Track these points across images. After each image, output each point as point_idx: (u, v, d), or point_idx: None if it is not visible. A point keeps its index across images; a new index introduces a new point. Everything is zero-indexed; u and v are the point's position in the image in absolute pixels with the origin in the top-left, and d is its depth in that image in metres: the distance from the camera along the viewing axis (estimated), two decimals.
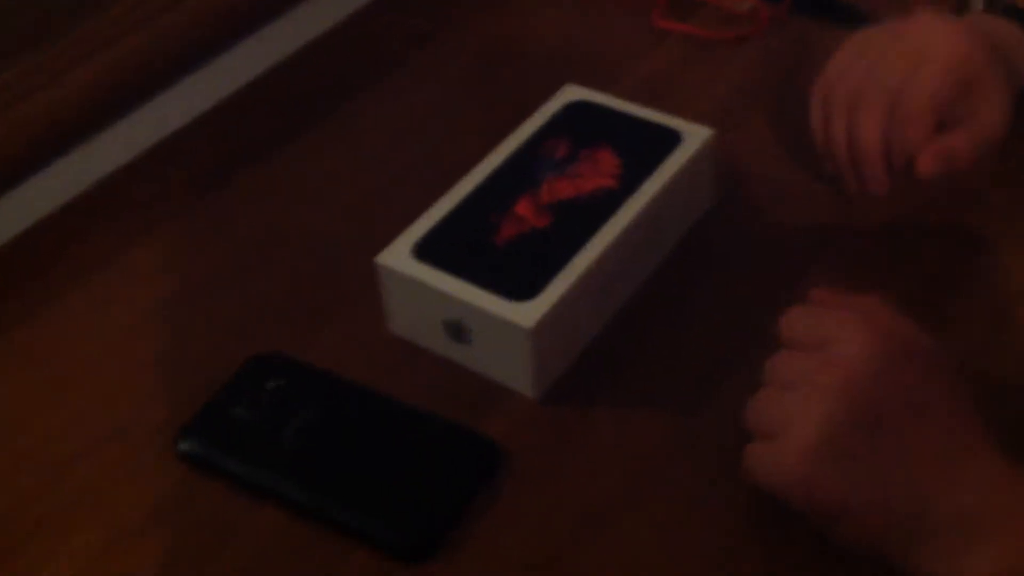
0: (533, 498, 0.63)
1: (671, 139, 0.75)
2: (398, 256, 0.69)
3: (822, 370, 0.55)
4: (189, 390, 0.70)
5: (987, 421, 0.55)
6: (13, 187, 0.84)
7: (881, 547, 0.55)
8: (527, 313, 0.65)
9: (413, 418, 0.66)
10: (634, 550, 0.61)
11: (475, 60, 0.95)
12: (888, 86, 0.72)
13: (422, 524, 0.61)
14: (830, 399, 0.54)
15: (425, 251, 0.69)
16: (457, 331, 0.68)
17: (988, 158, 0.73)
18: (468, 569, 0.61)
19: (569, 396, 0.68)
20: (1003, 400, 0.65)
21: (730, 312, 0.72)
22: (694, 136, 0.75)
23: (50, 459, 0.68)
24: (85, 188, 0.86)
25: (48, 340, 0.76)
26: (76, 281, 0.79)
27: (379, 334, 0.73)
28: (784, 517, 0.60)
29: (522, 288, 0.66)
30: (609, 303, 0.72)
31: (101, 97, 0.85)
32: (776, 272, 0.75)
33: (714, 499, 0.62)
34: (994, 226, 0.76)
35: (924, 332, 0.57)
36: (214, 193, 0.85)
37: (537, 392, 0.68)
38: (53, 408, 0.71)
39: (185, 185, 0.86)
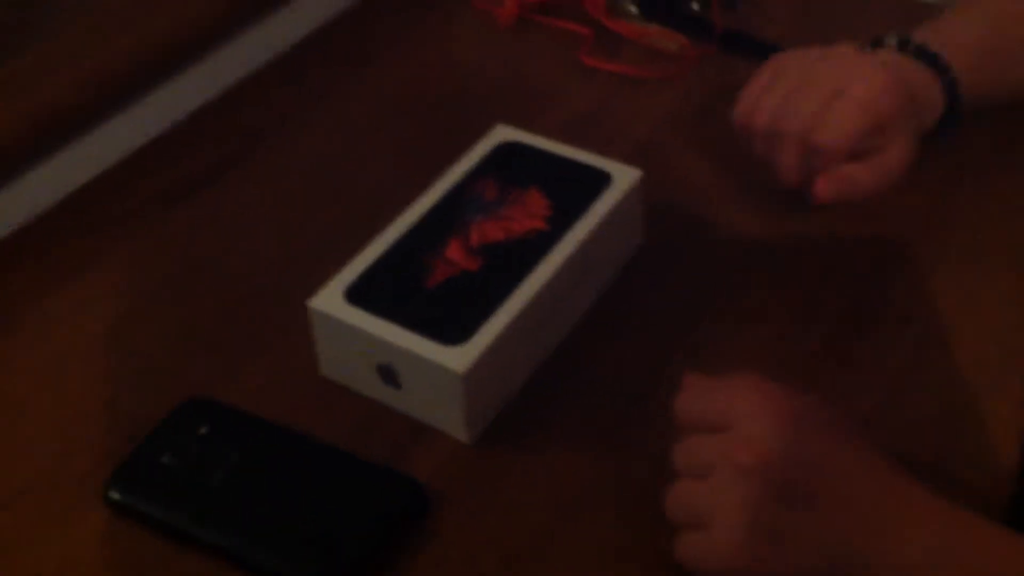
0: (459, 539, 0.64)
1: (600, 180, 0.75)
2: (330, 300, 0.69)
3: (733, 452, 0.56)
4: (117, 433, 0.70)
5: (903, 466, 0.57)
6: None
7: None
8: (459, 358, 0.65)
9: (340, 461, 0.66)
10: None
11: (403, 98, 0.95)
12: (804, 118, 0.73)
13: (344, 567, 0.61)
14: (749, 481, 0.55)
15: (357, 295, 0.69)
16: (389, 375, 0.68)
17: (886, 193, 0.75)
18: None
19: (498, 437, 0.69)
20: (920, 438, 0.66)
21: (660, 351, 0.73)
22: (623, 177, 0.75)
23: None
24: (3, 232, 0.86)
25: None
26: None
27: (310, 374, 0.73)
28: None
29: (454, 332, 0.66)
30: (541, 345, 0.72)
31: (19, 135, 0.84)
32: (705, 308, 0.76)
33: (639, 543, 0.63)
34: (918, 251, 0.78)
35: (811, 396, 0.59)
36: (143, 231, 0.85)
37: (470, 436, 0.68)
38: None
39: (114, 223, 0.86)
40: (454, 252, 0.71)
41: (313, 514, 0.64)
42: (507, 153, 0.78)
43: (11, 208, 0.86)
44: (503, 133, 0.80)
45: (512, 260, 0.70)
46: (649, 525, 0.62)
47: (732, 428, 0.57)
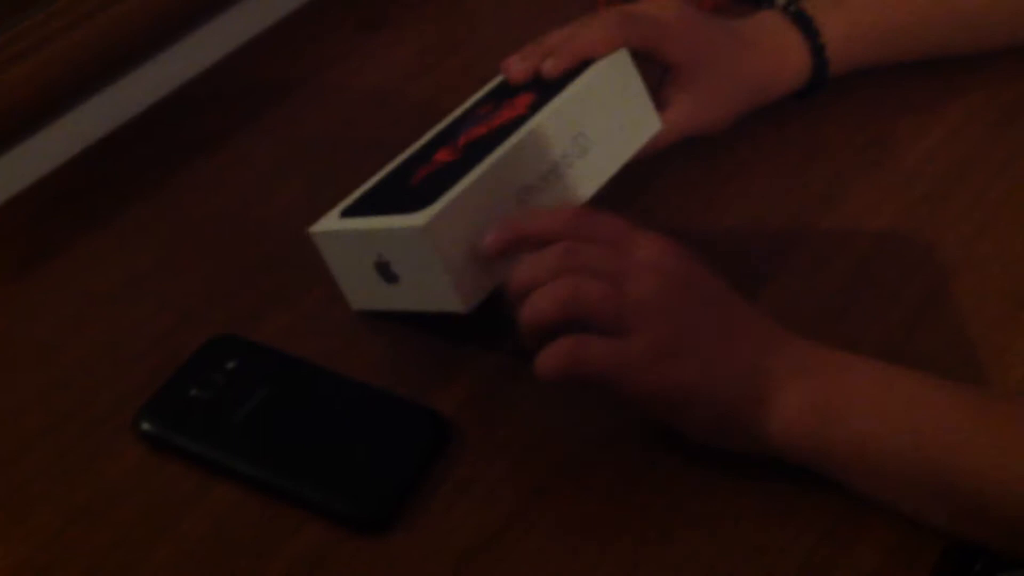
0: (485, 470, 0.65)
1: (584, 65, 0.75)
2: (327, 221, 0.71)
3: (642, 268, 0.61)
4: (145, 372, 0.71)
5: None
6: None
7: (721, 423, 0.61)
8: (421, 216, 0.66)
9: (366, 395, 0.68)
10: (584, 517, 0.62)
11: (424, 50, 0.96)
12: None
13: (376, 496, 0.63)
14: (666, 293, 0.60)
15: (351, 211, 0.71)
16: (385, 270, 0.69)
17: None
18: (422, 539, 0.62)
19: (521, 372, 0.69)
20: None
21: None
22: (607, 57, 0.75)
23: (5, 441, 0.69)
24: (35, 178, 0.87)
25: (1, 325, 0.76)
26: (29, 268, 0.80)
27: (334, 315, 0.74)
28: (729, 487, 0.62)
29: (422, 204, 0.67)
30: None
31: (50, 85, 0.85)
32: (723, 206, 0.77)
33: (663, 466, 0.64)
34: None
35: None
36: (166, 178, 0.86)
37: (465, 304, 0.67)
38: (7, 391, 0.72)
39: (136, 173, 0.87)
40: (441, 155, 0.72)
41: (341, 445, 0.65)
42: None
43: (37, 155, 0.87)
44: None
45: (488, 144, 0.70)
46: (674, 458, 0.64)
47: (631, 248, 0.62)
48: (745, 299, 0.63)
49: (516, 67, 0.76)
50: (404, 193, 0.70)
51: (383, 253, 0.68)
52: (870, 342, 0.69)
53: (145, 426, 0.67)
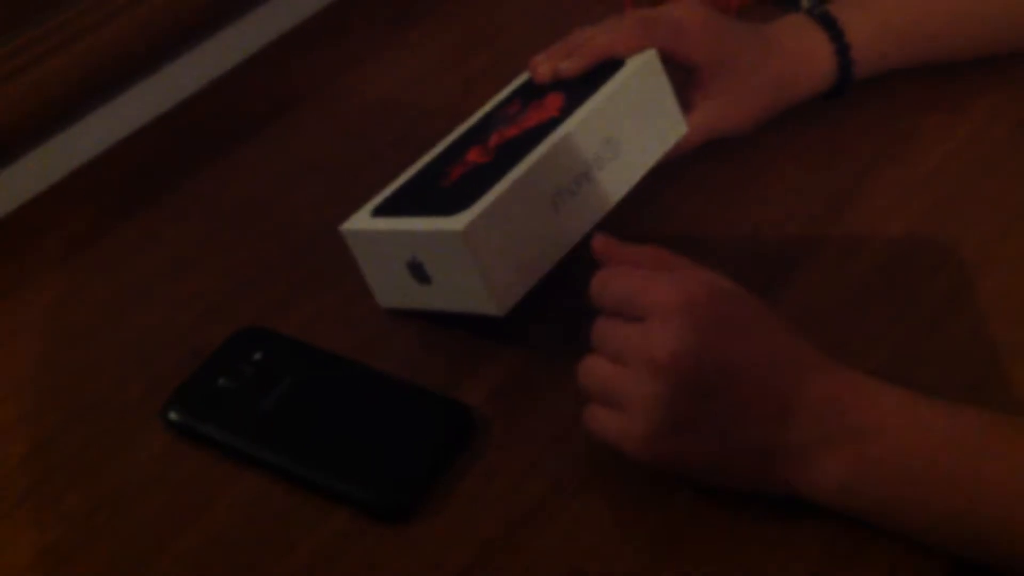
0: (508, 462, 0.65)
1: (615, 66, 0.75)
2: (359, 219, 0.72)
3: (648, 348, 0.58)
4: (174, 362, 0.72)
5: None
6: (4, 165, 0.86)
7: (751, 483, 0.60)
8: (459, 220, 0.66)
9: (392, 386, 0.68)
10: (605, 511, 0.63)
11: (452, 47, 0.97)
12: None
13: (401, 485, 0.63)
14: (661, 379, 0.58)
15: (383, 210, 0.72)
16: (418, 270, 0.69)
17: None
18: (445, 529, 0.62)
19: (547, 366, 0.70)
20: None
21: (708, 253, 0.72)
22: (636, 58, 0.75)
23: (38, 428, 0.70)
24: (68, 171, 0.88)
25: (34, 314, 0.77)
26: (59, 258, 0.81)
27: (360, 307, 0.75)
28: (734, 499, 0.63)
29: (459, 206, 0.67)
30: (568, 220, 0.70)
31: (80, 80, 0.87)
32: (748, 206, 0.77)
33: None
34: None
35: (721, 275, 0.61)
36: (200, 171, 0.87)
37: (501, 307, 0.68)
38: (40, 379, 0.73)
39: (168, 165, 0.88)
40: (472, 155, 0.73)
41: (366, 435, 0.66)
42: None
43: (77, 146, 0.88)
44: None
45: (522, 147, 0.71)
46: None
47: (648, 320, 0.59)
48: (792, 340, 0.60)
49: (542, 67, 0.77)
50: (438, 193, 0.70)
51: (417, 254, 0.69)
52: (891, 341, 0.69)
53: (173, 415, 0.68)
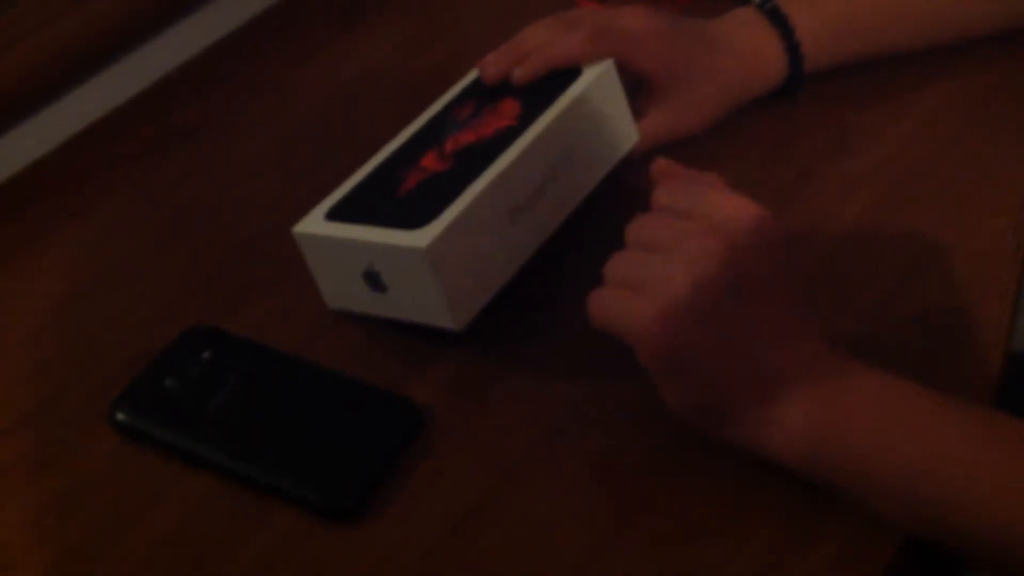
0: (458, 457, 0.65)
1: (572, 76, 0.75)
2: (312, 222, 0.71)
3: (702, 234, 0.58)
4: (121, 363, 0.71)
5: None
6: None
7: (707, 406, 0.60)
8: (422, 236, 0.66)
9: (339, 384, 0.68)
10: (553, 507, 0.63)
11: (402, 44, 0.97)
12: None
13: (347, 484, 0.63)
14: (705, 262, 0.57)
15: (337, 214, 0.71)
16: (374, 279, 0.69)
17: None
18: (394, 527, 0.62)
19: (493, 361, 0.70)
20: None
21: None
22: (593, 68, 0.75)
23: None
24: (13, 171, 0.87)
25: None
26: (6, 260, 0.80)
27: (309, 306, 0.74)
28: (696, 470, 0.63)
29: (420, 219, 0.67)
30: (525, 233, 0.71)
31: (26, 79, 0.86)
32: None
33: (631, 456, 0.65)
34: None
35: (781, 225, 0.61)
36: (145, 170, 0.86)
37: (458, 321, 0.68)
38: None
39: (115, 164, 0.87)
40: (428, 161, 0.73)
41: (314, 434, 0.66)
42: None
43: (17, 147, 0.87)
44: None
45: (481, 156, 0.70)
46: (642, 449, 0.65)
47: (708, 217, 0.59)
48: (800, 295, 0.61)
49: (491, 69, 0.77)
50: (395, 202, 0.70)
51: (375, 264, 0.68)
52: (835, 333, 0.69)
53: (119, 416, 0.68)
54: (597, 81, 0.75)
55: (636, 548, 0.61)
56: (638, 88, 0.79)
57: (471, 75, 0.81)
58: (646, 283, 0.58)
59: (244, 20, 1.00)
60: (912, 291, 0.71)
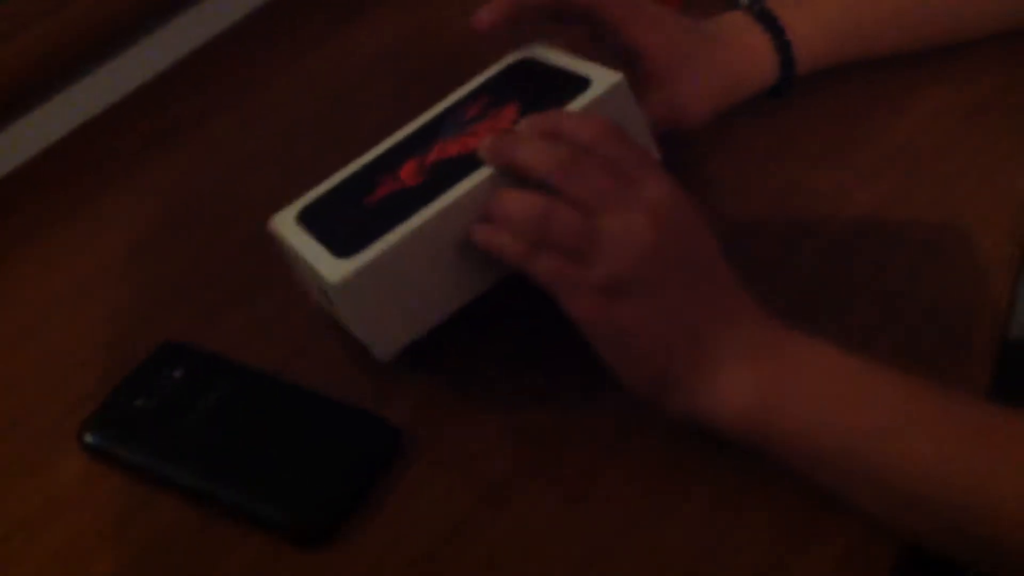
0: (433, 478, 0.64)
1: (577, 86, 0.67)
2: (284, 219, 0.69)
3: (636, 203, 0.58)
4: (95, 379, 0.70)
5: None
6: None
7: (653, 378, 0.59)
8: (340, 268, 0.62)
9: (315, 403, 0.66)
10: (532, 526, 0.61)
11: (399, 41, 0.95)
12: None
13: (318, 509, 0.61)
14: (646, 234, 0.58)
15: (307, 215, 0.68)
16: (322, 292, 0.66)
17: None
18: (366, 552, 0.61)
19: (472, 380, 0.68)
20: None
21: None
22: (601, 82, 0.66)
23: None
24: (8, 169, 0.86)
25: None
26: None
27: (288, 318, 0.73)
28: (680, 490, 0.61)
29: (354, 245, 0.63)
30: (478, 269, 0.65)
31: (18, 76, 0.84)
32: None
33: (611, 474, 0.63)
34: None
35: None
36: (121, 179, 0.85)
37: (382, 355, 0.65)
38: None
39: (87, 174, 0.86)
40: (407, 170, 0.69)
41: (287, 456, 0.64)
42: (514, 70, 0.74)
43: (7, 148, 0.86)
44: (527, 51, 0.75)
45: (451, 175, 0.65)
46: (624, 464, 0.63)
47: (635, 184, 0.59)
48: (730, 269, 0.61)
49: (482, 15, 0.73)
50: (357, 212, 0.67)
51: (313, 277, 0.66)
52: (835, 333, 0.67)
53: (88, 438, 0.66)
54: (607, 95, 0.66)
55: (623, 566, 0.59)
56: (635, 74, 0.76)
57: (508, 57, 0.75)
58: (587, 252, 0.58)
59: (243, 14, 0.98)
60: (911, 292, 0.69)
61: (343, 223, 0.66)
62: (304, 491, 0.62)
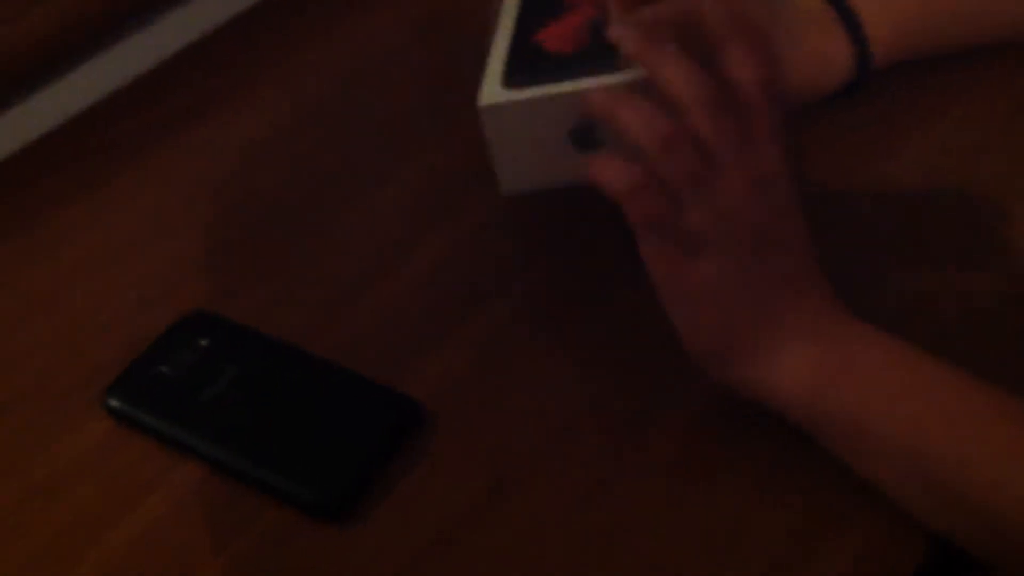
0: (453, 457, 0.63)
1: None
2: (495, 93, 0.67)
3: (751, 164, 0.57)
4: (118, 345, 0.70)
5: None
6: None
7: (718, 347, 0.60)
8: (495, 96, 0.65)
9: (337, 377, 0.66)
10: (550, 509, 0.61)
11: (417, 21, 0.94)
12: None
13: (335, 482, 0.61)
14: (749, 197, 0.57)
15: (514, 81, 0.67)
16: (584, 137, 0.66)
17: None
18: (385, 527, 0.61)
19: (494, 358, 0.68)
20: None
21: None
22: None
23: None
24: (17, 147, 0.86)
25: None
26: (3, 237, 0.79)
27: (311, 292, 0.73)
28: (699, 476, 0.61)
29: (523, 82, 0.66)
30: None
31: (30, 55, 0.84)
32: None
33: (631, 458, 0.62)
34: None
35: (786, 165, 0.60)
36: (150, 150, 0.85)
37: (507, 189, 0.67)
38: None
39: (120, 143, 0.86)
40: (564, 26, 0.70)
41: (308, 428, 0.64)
42: None
43: (19, 124, 0.86)
44: None
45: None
46: (646, 449, 0.63)
47: (759, 144, 0.58)
48: (814, 253, 0.61)
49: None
50: (535, 56, 0.68)
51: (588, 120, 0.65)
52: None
53: (112, 402, 0.66)
54: None
55: (642, 551, 0.58)
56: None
57: None
58: (689, 198, 0.57)
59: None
60: (944, 297, 0.68)
61: (537, 70, 0.67)
62: (324, 465, 0.62)
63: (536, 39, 0.70)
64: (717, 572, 0.57)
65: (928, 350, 0.58)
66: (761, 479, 0.61)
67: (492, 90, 0.67)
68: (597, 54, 0.66)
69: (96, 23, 0.87)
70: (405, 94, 0.83)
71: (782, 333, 0.59)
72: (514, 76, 0.67)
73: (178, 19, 0.93)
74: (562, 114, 0.65)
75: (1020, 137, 0.78)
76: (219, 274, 0.75)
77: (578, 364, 0.67)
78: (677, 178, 0.57)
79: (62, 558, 0.61)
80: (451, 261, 0.73)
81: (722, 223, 0.57)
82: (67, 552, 0.61)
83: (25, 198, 0.82)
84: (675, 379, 0.64)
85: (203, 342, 0.68)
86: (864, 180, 0.76)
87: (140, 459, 0.65)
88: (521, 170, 0.68)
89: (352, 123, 0.85)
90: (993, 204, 0.74)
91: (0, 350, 0.71)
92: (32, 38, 0.84)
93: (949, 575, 0.61)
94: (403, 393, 0.65)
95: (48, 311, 0.74)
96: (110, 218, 0.80)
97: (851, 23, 0.76)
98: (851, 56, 0.76)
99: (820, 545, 0.58)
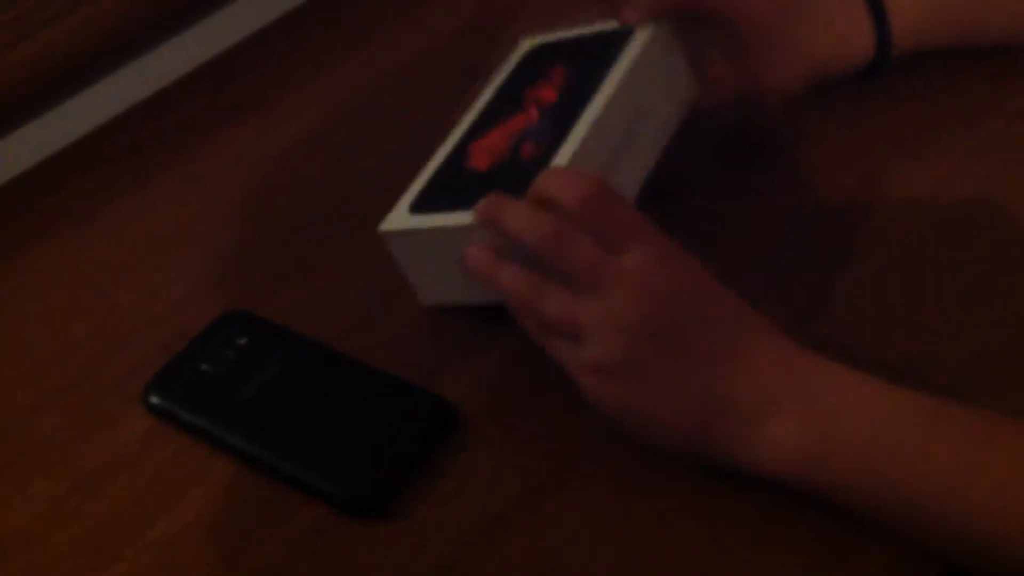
0: (488, 459, 0.64)
1: (619, 39, 0.71)
2: (397, 219, 0.68)
3: (618, 277, 0.57)
4: (158, 342, 0.71)
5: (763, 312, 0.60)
6: None
7: (692, 445, 0.59)
8: (393, 222, 0.66)
9: (374, 378, 0.67)
10: (584, 514, 0.61)
11: (452, 30, 0.95)
12: None
13: (371, 481, 0.62)
14: (628, 312, 0.57)
15: (420, 206, 0.68)
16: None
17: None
18: (420, 527, 0.61)
19: (527, 363, 0.68)
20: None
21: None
22: (644, 30, 0.71)
23: (14, 406, 0.69)
24: (60, 147, 0.87)
25: (17, 290, 0.77)
26: (47, 233, 0.81)
27: (348, 293, 0.73)
28: (731, 486, 0.61)
29: (433, 207, 0.67)
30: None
31: (76, 55, 0.85)
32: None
33: (667, 464, 0.62)
34: None
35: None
36: (192, 149, 0.86)
37: (423, 300, 0.69)
38: (20, 356, 0.72)
39: (160, 144, 0.87)
40: (484, 147, 0.70)
41: (344, 428, 0.64)
42: (535, 56, 0.76)
43: (68, 121, 0.87)
44: (528, 43, 0.78)
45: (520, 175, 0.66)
46: (667, 461, 0.62)
47: (626, 252, 0.58)
48: (738, 305, 0.59)
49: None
50: (459, 179, 0.68)
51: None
52: (905, 335, 0.66)
53: (153, 399, 0.67)
54: (654, 33, 0.70)
55: (663, 561, 0.59)
56: (711, 43, 0.74)
57: (519, 52, 0.77)
58: (577, 335, 0.58)
59: (293, 4, 0.99)
60: (969, 311, 0.68)
61: (448, 190, 0.68)
62: (358, 463, 0.63)
63: (469, 148, 0.70)
64: None
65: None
66: (778, 497, 0.60)
67: (398, 213, 0.68)
68: (507, 172, 0.66)
69: (140, 26, 0.88)
70: (439, 98, 0.84)
71: (742, 412, 0.57)
72: (424, 199, 0.68)
73: (226, 18, 0.94)
74: (454, 242, 0.65)
75: None
76: (257, 274, 0.76)
77: None
78: (560, 327, 0.59)
79: (101, 551, 0.62)
80: None
81: (616, 347, 0.57)
82: (107, 546, 0.62)
83: (71, 195, 0.83)
84: None
85: (241, 341, 0.69)
86: (893, 181, 0.76)
87: (179, 455, 0.66)
88: (435, 287, 0.69)
89: (387, 127, 0.85)
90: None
91: (43, 347, 0.73)
92: (74, 41, 0.85)
93: None
94: (438, 395, 0.66)
95: (90, 309, 0.75)
96: (153, 217, 0.81)
97: (875, 4, 0.75)
98: (871, 32, 0.75)
99: (836, 571, 0.58)
